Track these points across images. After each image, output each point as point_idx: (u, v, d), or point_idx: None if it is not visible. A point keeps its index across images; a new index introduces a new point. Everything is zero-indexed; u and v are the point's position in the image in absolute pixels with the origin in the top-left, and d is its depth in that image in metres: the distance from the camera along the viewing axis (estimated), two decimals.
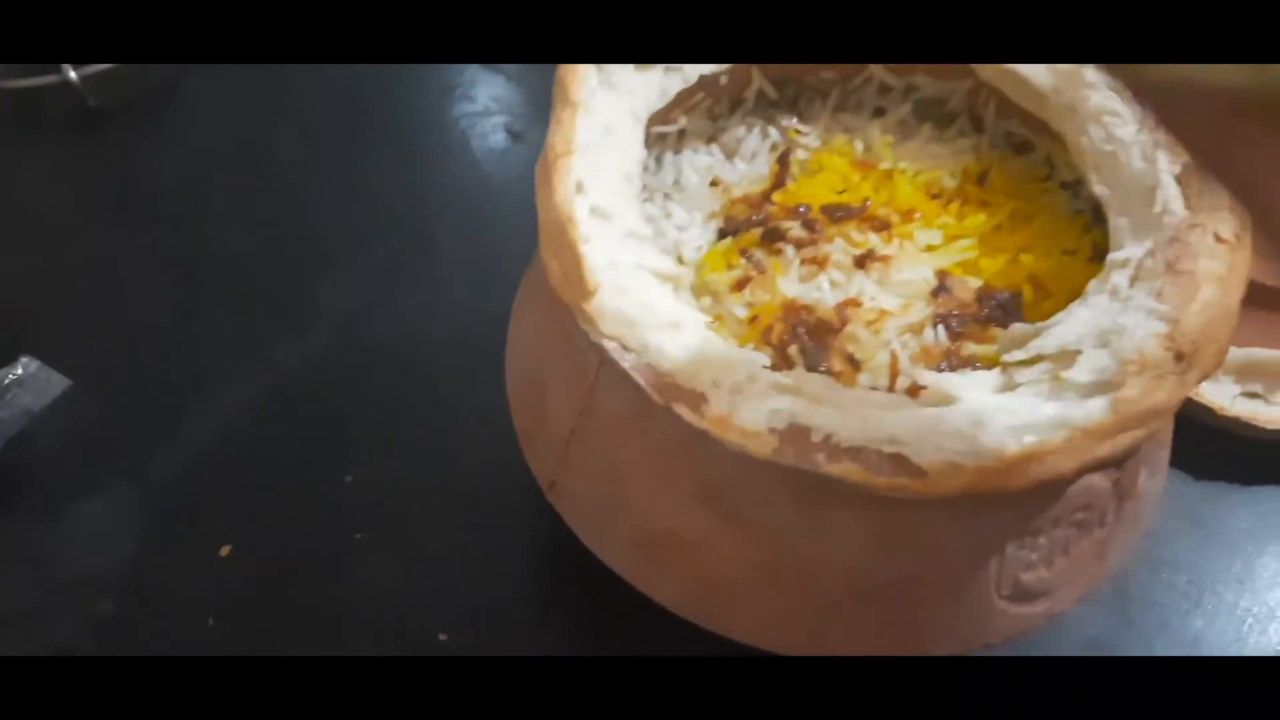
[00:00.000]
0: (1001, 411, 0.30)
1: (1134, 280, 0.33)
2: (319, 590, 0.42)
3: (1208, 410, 0.47)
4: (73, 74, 0.57)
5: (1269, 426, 0.47)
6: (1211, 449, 0.47)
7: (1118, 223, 0.35)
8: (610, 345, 0.31)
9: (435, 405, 0.47)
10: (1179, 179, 0.34)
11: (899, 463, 0.29)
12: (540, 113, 0.58)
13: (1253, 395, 0.48)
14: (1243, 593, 0.44)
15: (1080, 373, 0.31)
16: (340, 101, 0.59)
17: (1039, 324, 0.34)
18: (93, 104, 0.58)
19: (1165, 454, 0.37)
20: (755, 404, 0.30)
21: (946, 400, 0.31)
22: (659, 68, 0.38)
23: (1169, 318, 0.31)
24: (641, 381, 0.31)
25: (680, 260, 0.39)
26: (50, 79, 0.57)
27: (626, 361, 0.31)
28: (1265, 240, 0.48)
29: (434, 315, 0.50)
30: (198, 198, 0.54)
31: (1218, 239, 0.33)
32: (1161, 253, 0.33)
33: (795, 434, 0.30)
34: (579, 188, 0.34)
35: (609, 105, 0.37)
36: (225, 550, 0.43)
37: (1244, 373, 0.48)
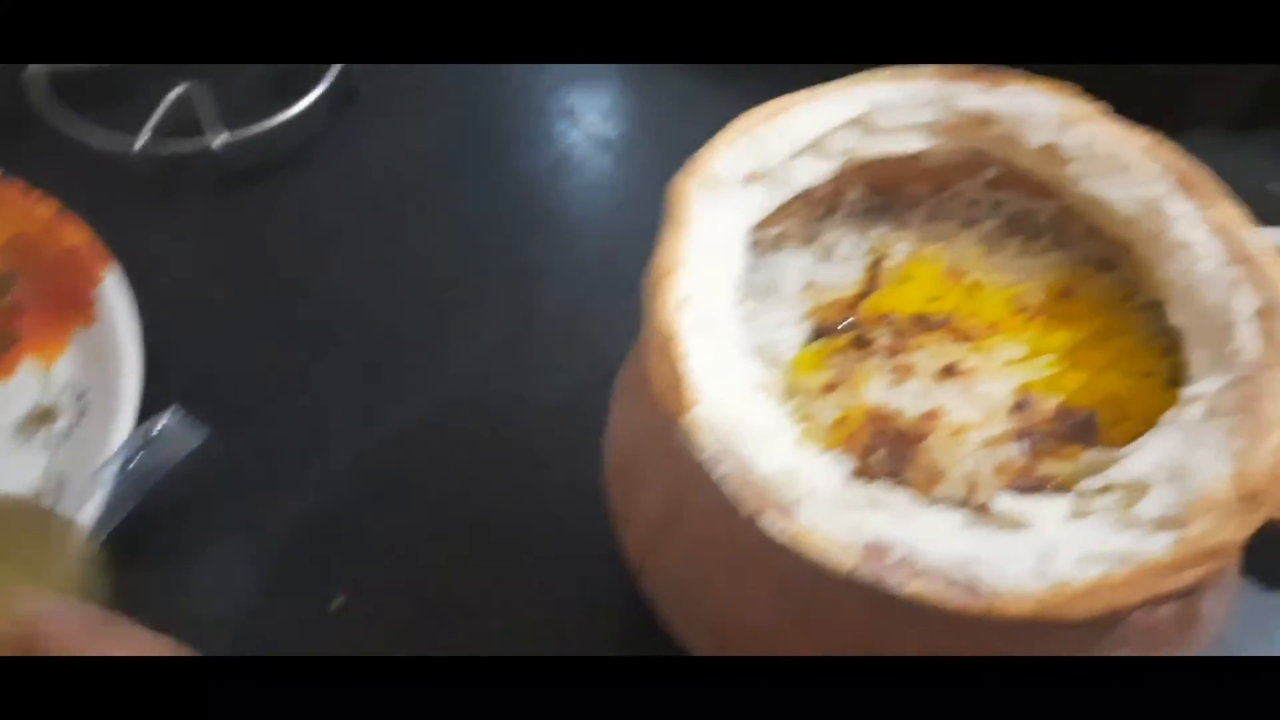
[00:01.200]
0: (1072, 541, 0.32)
1: (1207, 416, 0.35)
2: (423, 640, 0.46)
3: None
4: (213, 141, 0.62)
5: None
6: None
7: (1195, 355, 0.37)
8: (706, 456, 0.34)
9: (536, 471, 0.50)
10: (1257, 317, 0.36)
11: (971, 585, 0.31)
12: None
13: None
14: None
15: (1149, 507, 0.33)
16: (467, 175, 0.63)
17: (1113, 452, 0.35)
18: (233, 169, 0.63)
19: (1234, 577, 0.39)
20: (840, 518, 0.33)
21: (1020, 524, 0.33)
22: (764, 182, 0.41)
23: (1238, 458, 0.33)
24: (732, 492, 0.33)
25: (773, 361, 0.41)
26: (193, 145, 0.62)
27: (719, 472, 0.34)
28: None
29: (540, 381, 0.53)
30: (324, 260, 0.59)
31: None
32: (1235, 390, 0.35)
33: (876, 551, 0.32)
34: (684, 302, 0.37)
35: (715, 220, 0.39)
36: (338, 602, 0.47)
37: None
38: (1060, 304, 0.42)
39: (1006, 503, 0.34)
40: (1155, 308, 0.42)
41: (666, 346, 0.35)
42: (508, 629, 0.46)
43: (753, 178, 0.41)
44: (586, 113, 0.67)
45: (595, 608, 0.47)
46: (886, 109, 0.42)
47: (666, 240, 0.38)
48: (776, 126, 0.41)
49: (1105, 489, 0.34)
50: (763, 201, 0.41)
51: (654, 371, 0.36)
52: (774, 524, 0.33)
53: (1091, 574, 0.31)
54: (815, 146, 0.42)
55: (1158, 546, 0.32)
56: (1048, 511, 0.34)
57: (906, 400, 0.39)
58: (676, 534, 0.39)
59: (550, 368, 0.54)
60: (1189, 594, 0.33)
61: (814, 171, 0.42)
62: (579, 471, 0.47)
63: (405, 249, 0.59)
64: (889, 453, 0.38)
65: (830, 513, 0.33)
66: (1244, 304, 0.37)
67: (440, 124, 0.65)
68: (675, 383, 0.35)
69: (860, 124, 0.42)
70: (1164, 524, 0.32)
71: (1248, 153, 0.71)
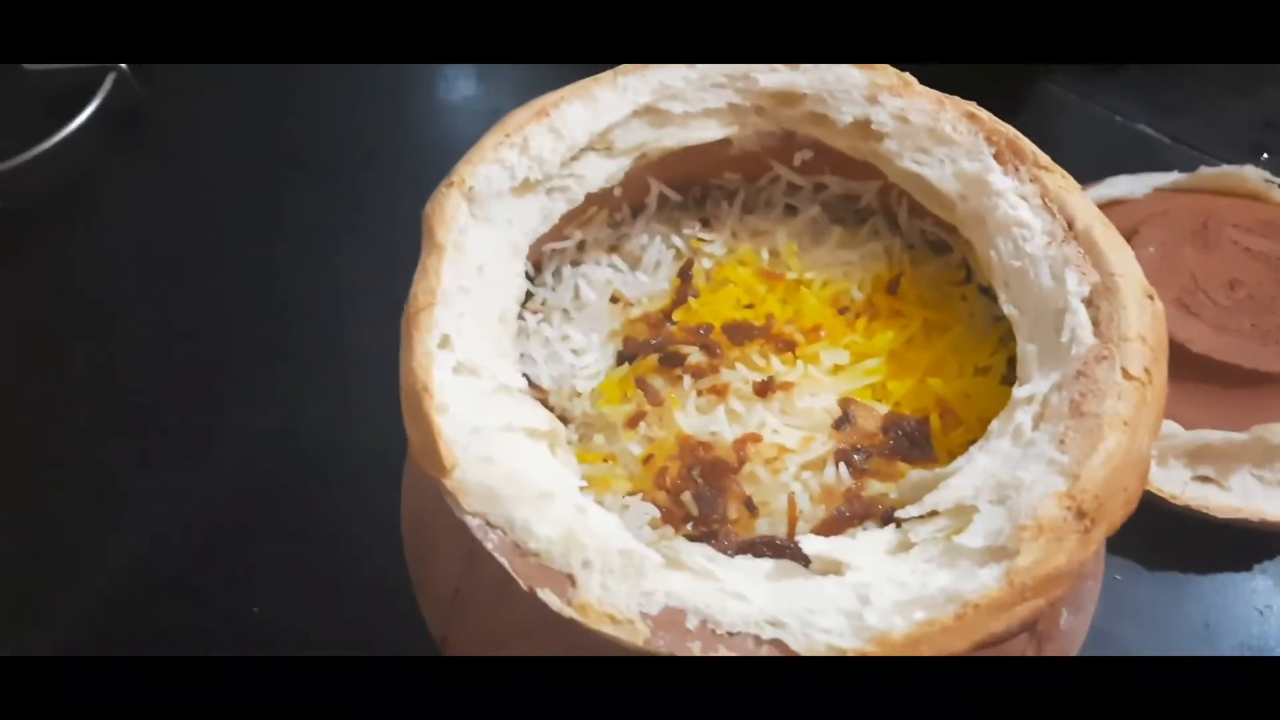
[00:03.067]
0: (890, 583, 0.29)
1: (1038, 420, 0.31)
2: None
3: (1159, 498, 0.46)
4: None
5: (1221, 516, 0.45)
6: (1164, 538, 0.46)
7: (1026, 350, 0.33)
8: (474, 523, 0.30)
9: (349, 529, 0.46)
10: (1088, 301, 0.33)
11: (778, 648, 0.28)
12: None
13: (1205, 480, 0.46)
14: None
15: (974, 536, 0.29)
16: (259, 201, 0.58)
17: (938, 471, 0.32)
18: (4, 205, 0.57)
19: (1094, 585, 0.36)
20: (629, 585, 0.29)
21: (836, 568, 0.30)
22: (541, 191, 0.37)
23: (1069, 471, 0.29)
24: (506, 564, 0.29)
25: (575, 393, 0.37)
26: None
27: (490, 541, 0.30)
28: (1216, 312, 0.46)
29: (350, 429, 0.49)
30: (107, 311, 0.53)
31: (1125, 374, 0.31)
32: (1068, 389, 0.31)
33: (670, 619, 0.28)
34: (444, 342, 0.32)
35: (483, 241, 0.35)
36: None
37: (1195, 456, 0.46)
38: (886, 299, 0.38)
39: (818, 545, 0.30)
40: (990, 291, 0.38)
41: (419, 400, 0.31)
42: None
43: (526, 187, 0.36)
44: (408, 125, 0.62)
45: None
46: (675, 96, 0.38)
47: (423, 270, 0.33)
48: (548, 127, 0.36)
49: (929, 515, 0.31)
50: (542, 212, 0.37)
51: (410, 429, 0.31)
52: (553, 600, 0.29)
53: (913, 621, 0.28)
54: (598, 145, 0.37)
55: (986, 582, 0.28)
56: (864, 549, 0.30)
57: (721, 425, 0.35)
58: (472, 605, 0.34)
59: (367, 410, 0.49)
60: (1030, 628, 0.30)
61: (601, 173, 0.38)
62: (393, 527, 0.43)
63: (191, 294, 0.54)
64: (702, 490, 0.34)
65: (618, 580, 0.29)
66: (1075, 286, 0.33)
67: (233, 147, 0.59)
68: (431, 442, 0.30)
69: (648, 114, 0.38)
70: (991, 555, 0.29)
71: (1114, 93, 0.68)
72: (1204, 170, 0.56)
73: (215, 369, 0.51)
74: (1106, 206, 0.55)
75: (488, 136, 0.36)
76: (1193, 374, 0.47)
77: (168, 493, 0.48)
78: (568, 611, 0.29)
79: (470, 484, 0.30)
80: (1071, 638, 0.35)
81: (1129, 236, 0.52)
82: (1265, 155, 0.60)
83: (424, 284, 0.33)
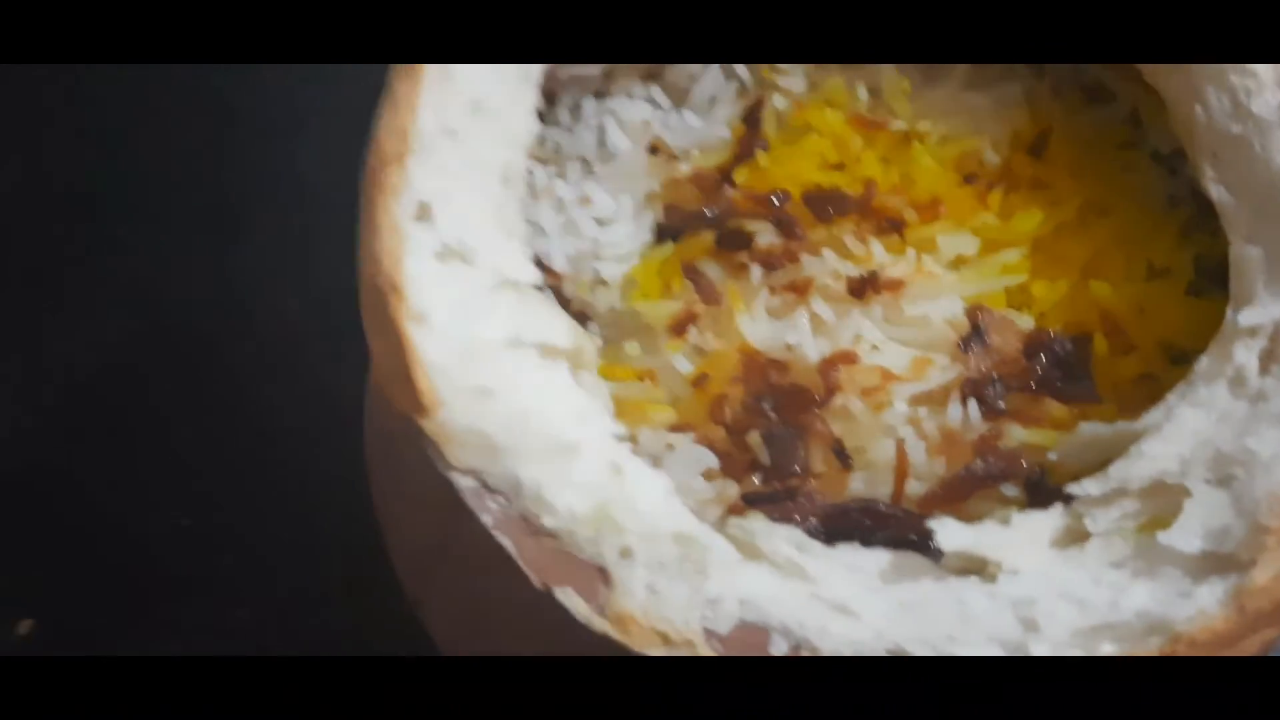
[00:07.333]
0: (1064, 599, 0.21)
1: (1268, 361, 0.23)
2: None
3: None
4: None
5: None
6: None
7: (1246, 255, 0.24)
8: (466, 484, 0.21)
9: (294, 421, 0.38)
10: None
11: None
12: None
13: None
14: None
15: (1188, 534, 0.21)
16: None
17: (1121, 426, 0.23)
18: None
19: None
20: (687, 588, 0.21)
21: (981, 568, 0.21)
22: None
23: None
24: (510, 546, 0.21)
25: (599, 280, 0.28)
26: None
27: (488, 513, 0.21)
28: None
29: (287, 282, 0.40)
30: None
31: None
32: None
33: (747, 641, 0.21)
34: (422, 213, 0.23)
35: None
36: (25, 626, 0.36)
37: None
38: (1029, 164, 0.30)
39: (958, 535, 0.22)
40: (1169, 160, 0.29)
41: (385, 303, 0.22)
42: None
43: None
44: None
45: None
46: None
47: (390, 102, 0.24)
48: None
49: (1114, 495, 0.22)
50: None
51: (374, 343, 0.22)
52: (578, 606, 0.21)
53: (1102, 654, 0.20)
54: None
55: (1204, 604, 0.20)
56: (1021, 539, 0.22)
57: (802, 337, 0.27)
58: (453, 567, 0.27)
59: (297, 266, 0.40)
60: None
61: None
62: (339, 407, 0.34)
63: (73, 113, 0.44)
64: (775, 430, 0.25)
65: (673, 578, 0.21)
66: None
67: None
68: (403, 367, 0.21)
69: None
70: (1214, 564, 0.21)
71: None
72: None
73: (100, 205, 0.42)
74: None
75: None
76: None
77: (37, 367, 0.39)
78: (599, 624, 0.21)
79: (460, 429, 0.22)
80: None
81: None
82: None
83: (392, 122, 0.24)
